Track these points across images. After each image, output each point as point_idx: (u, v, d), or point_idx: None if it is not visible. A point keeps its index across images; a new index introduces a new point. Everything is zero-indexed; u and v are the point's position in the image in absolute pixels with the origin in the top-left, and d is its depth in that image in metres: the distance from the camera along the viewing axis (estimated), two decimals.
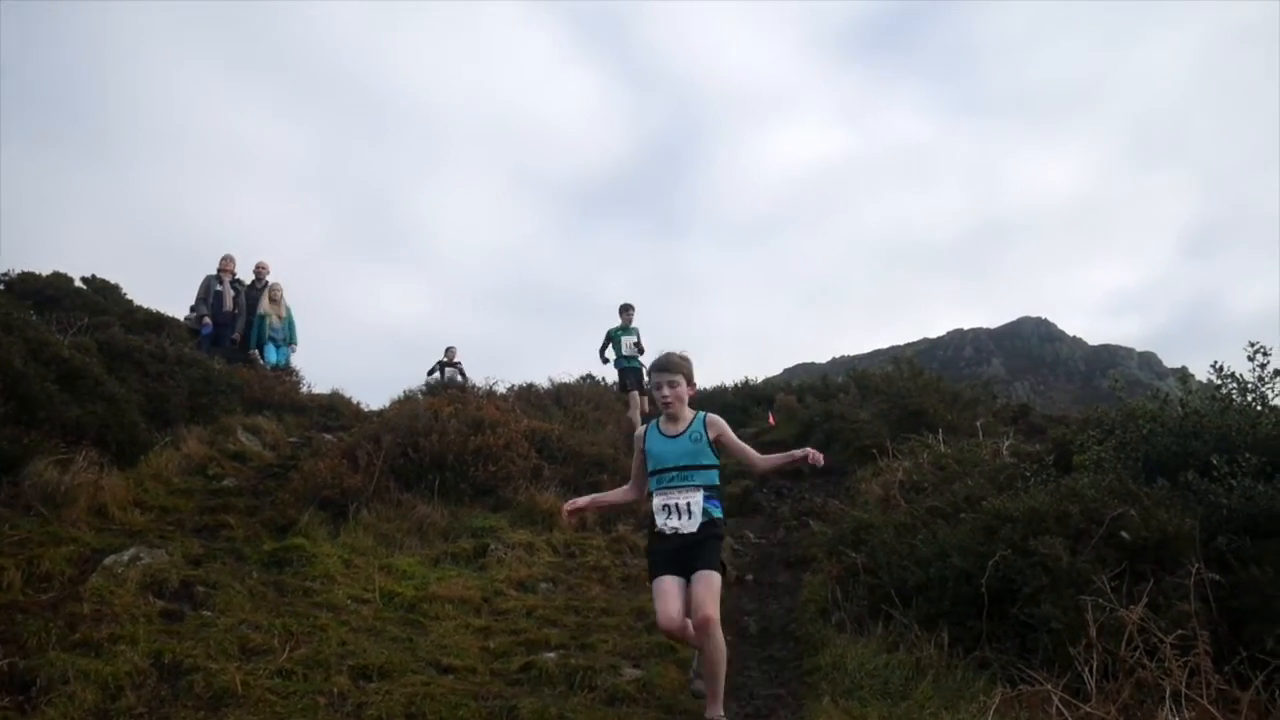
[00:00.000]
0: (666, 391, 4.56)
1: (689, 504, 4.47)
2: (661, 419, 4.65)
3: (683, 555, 4.44)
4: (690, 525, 4.45)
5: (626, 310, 14.86)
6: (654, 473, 4.59)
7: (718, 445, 4.58)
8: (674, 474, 4.53)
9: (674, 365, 4.59)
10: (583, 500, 4.91)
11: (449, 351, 20.36)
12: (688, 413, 4.61)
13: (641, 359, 14.60)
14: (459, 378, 19.24)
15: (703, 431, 4.56)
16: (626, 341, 14.66)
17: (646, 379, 14.42)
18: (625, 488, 4.95)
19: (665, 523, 4.49)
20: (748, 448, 4.68)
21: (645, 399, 14.35)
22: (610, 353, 14.71)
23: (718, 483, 4.59)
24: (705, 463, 4.54)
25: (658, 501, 4.54)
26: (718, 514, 4.54)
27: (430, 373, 19.73)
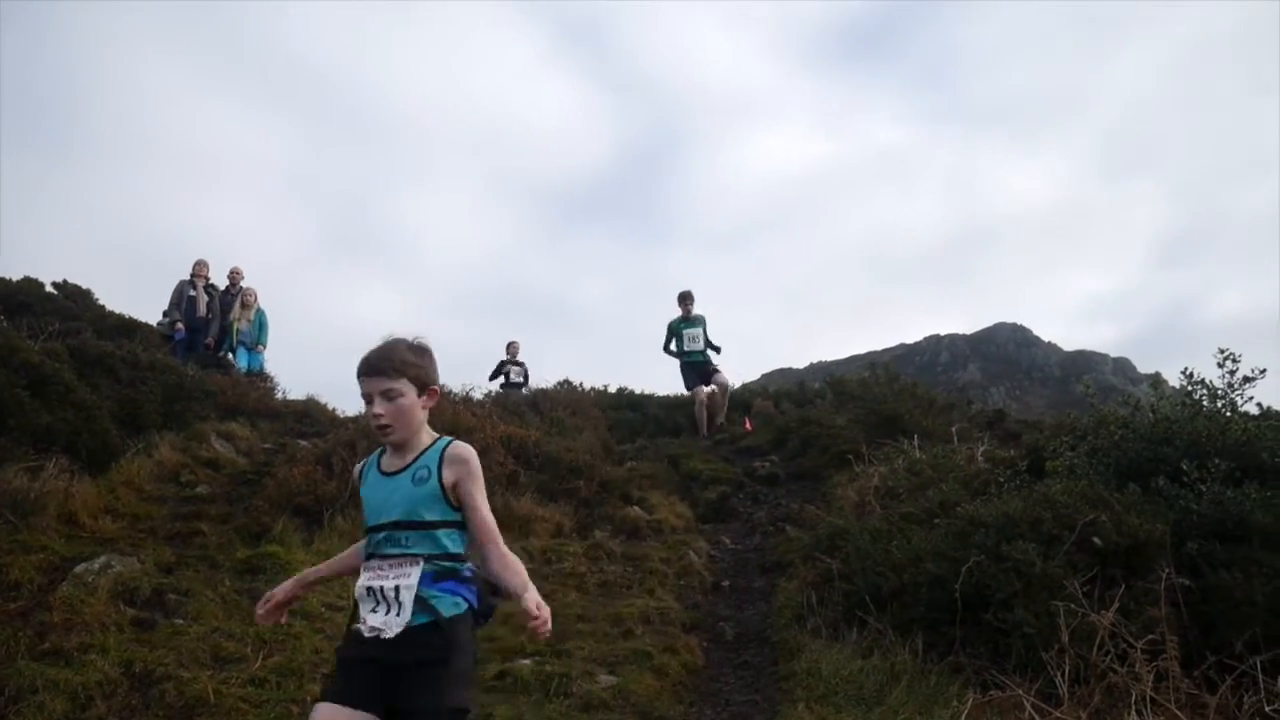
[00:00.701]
0: (380, 408, 2.83)
1: (397, 588, 2.76)
2: (387, 450, 2.96)
3: (380, 678, 2.72)
4: (395, 625, 2.73)
5: (685, 299, 13.77)
6: (366, 530, 2.93)
7: (456, 497, 2.84)
8: (385, 535, 2.84)
9: (390, 364, 2.85)
10: (282, 590, 3.12)
11: (511, 347, 17.04)
12: (423, 438, 2.92)
13: (710, 352, 13.72)
14: (522, 379, 16.72)
15: (435, 468, 2.83)
16: (688, 334, 13.66)
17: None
18: (354, 548, 3.12)
19: (365, 616, 2.79)
20: (491, 523, 2.86)
21: (717, 381, 13.66)
22: (675, 347, 13.85)
23: (459, 550, 2.86)
24: (433, 518, 2.81)
25: (361, 580, 2.86)
26: (452, 609, 2.78)
27: (493, 377, 16.62)
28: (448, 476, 2.83)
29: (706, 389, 13.38)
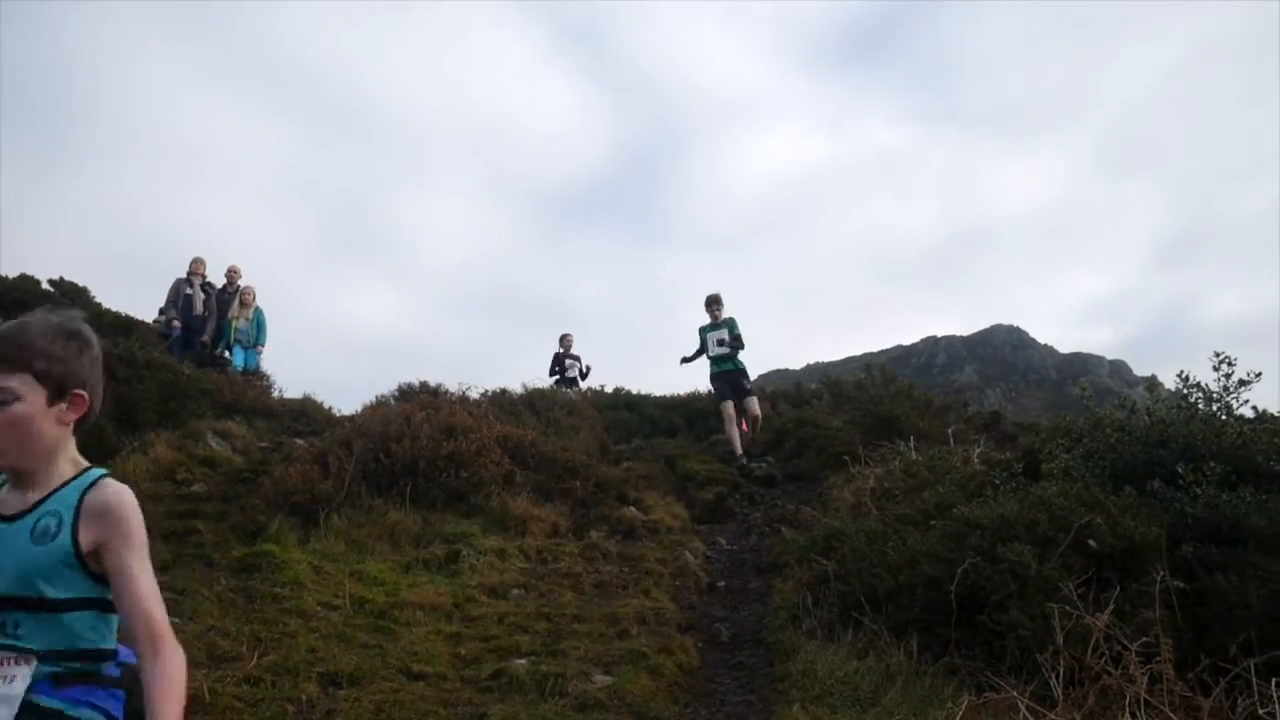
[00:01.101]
0: None
1: None
2: (8, 480, 1.99)
3: None
4: None
5: (710, 304, 12.48)
6: None
7: (100, 561, 1.90)
8: None
9: (6, 352, 1.91)
10: None
11: (564, 340, 16.63)
12: (61, 467, 1.99)
13: (739, 359, 12.30)
14: (577, 374, 16.35)
15: (68, 519, 1.91)
16: (713, 338, 12.31)
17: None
18: None
19: None
20: (152, 611, 1.89)
21: (744, 406, 12.21)
22: (704, 356, 12.59)
23: (103, 644, 1.95)
24: (59, 595, 1.87)
25: None
26: None
27: (552, 372, 16.13)
28: (86, 535, 1.89)
29: (732, 407, 12.09)
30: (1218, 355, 6.46)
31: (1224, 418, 6.39)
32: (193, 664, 4.76)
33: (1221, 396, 6.52)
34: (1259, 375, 6.44)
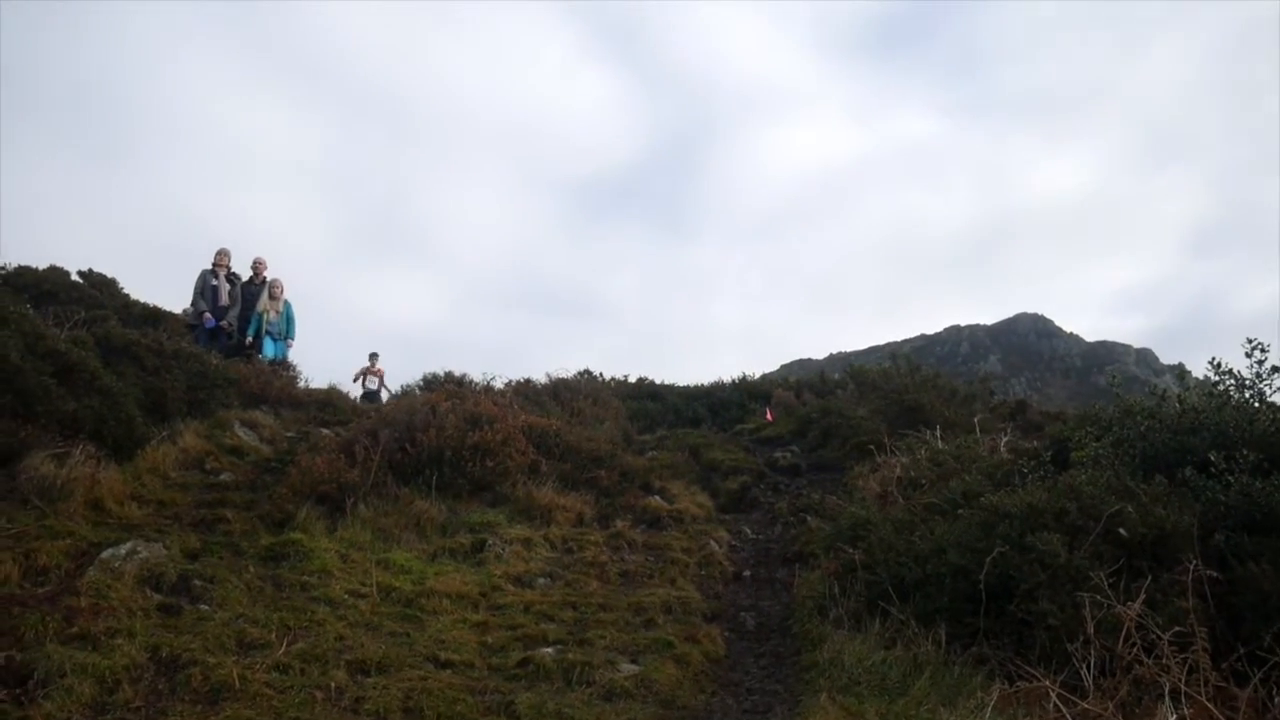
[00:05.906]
0: None
1: None
2: None
3: None
4: None
5: None
6: None
7: None
8: None
9: None
10: None
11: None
12: None
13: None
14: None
15: None
16: None
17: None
18: None
19: None
20: None
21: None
22: None
23: None
24: None
25: None
26: None
27: None
28: None
29: None
30: (1250, 341, 6.38)
31: (1256, 405, 6.31)
32: (223, 651, 4.82)
33: (1254, 384, 6.43)
34: None
